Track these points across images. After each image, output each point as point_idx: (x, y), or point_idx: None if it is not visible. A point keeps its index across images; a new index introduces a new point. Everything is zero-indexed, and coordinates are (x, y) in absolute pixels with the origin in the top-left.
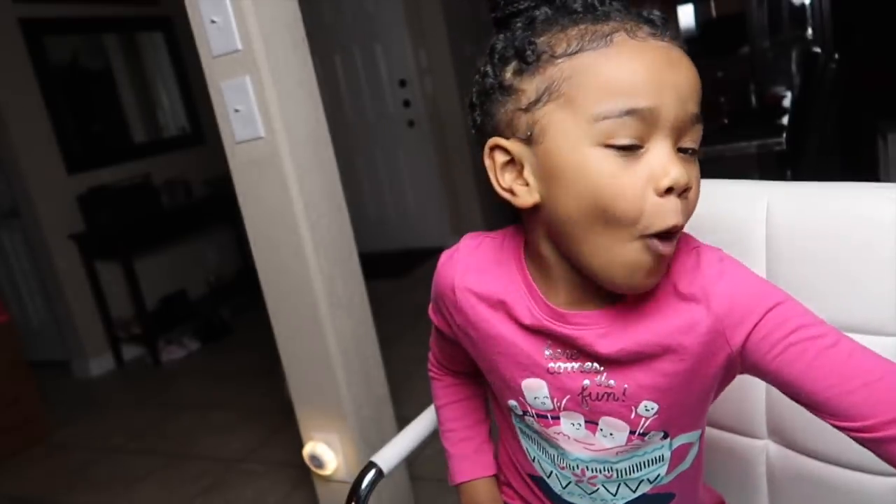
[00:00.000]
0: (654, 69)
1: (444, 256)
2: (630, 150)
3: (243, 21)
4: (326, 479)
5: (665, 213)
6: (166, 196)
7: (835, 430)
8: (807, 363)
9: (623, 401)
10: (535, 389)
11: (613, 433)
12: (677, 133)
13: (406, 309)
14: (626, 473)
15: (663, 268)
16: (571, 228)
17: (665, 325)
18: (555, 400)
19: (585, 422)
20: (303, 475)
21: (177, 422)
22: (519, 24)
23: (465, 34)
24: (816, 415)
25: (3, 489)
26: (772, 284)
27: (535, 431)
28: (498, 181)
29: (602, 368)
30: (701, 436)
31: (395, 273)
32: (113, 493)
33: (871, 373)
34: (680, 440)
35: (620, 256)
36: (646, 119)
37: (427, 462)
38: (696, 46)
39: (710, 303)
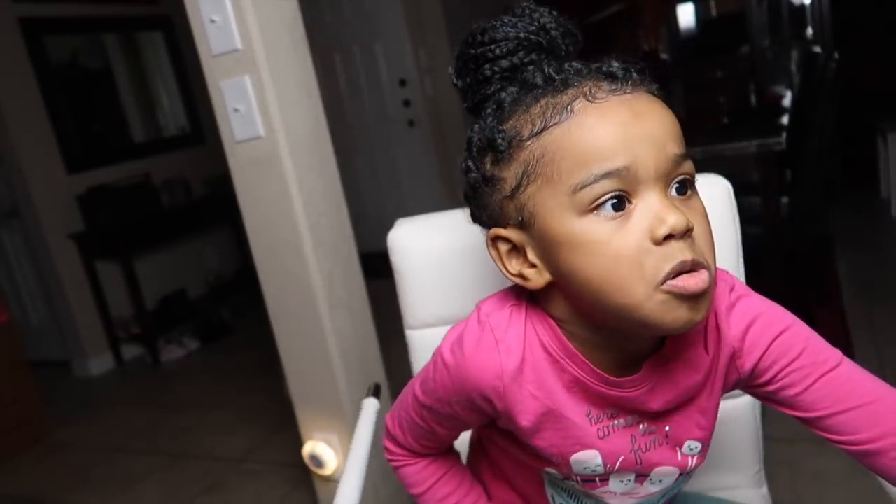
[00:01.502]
0: (619, 127)
1: (470, 337)
2: (616, 210)
3: (243, 20)
4: (326, 478)
5: (667, 256)
6: (166, 196)
7: None
8: (806, 386)
9: (668, 444)
10: (587, 461)
11: (663, 479)
12: (664, 179)
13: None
14: (657, 501)
15: (703, 302)
16: (592, 299)
17: (699, 364)
18: (608, 466)
19: (636, 477)
20: (302, 475)
21: (176, 421)
22: (489, 110)
23: (465, 34)
24: (809, 428)
25: (3, 489)
26: (777, 308)
27: (575, 490)
28: (507, 269)
29: (644, 417)
30: None
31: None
32: (113, 492)
33: (868, 395)
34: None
35: (652, 311)
36: (624, 178)
37: None
38: (696, 46)
39: (725, 335)
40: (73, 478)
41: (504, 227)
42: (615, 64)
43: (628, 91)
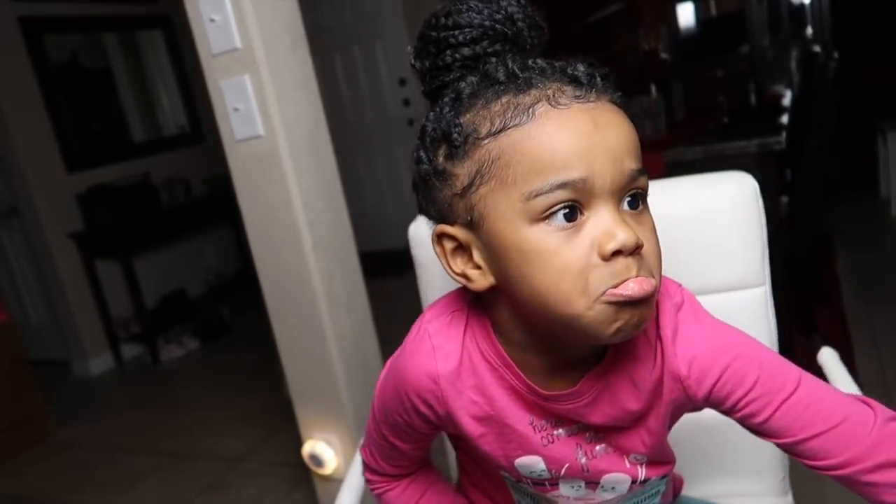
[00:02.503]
0: (580, 138)
1: (410, 344)
2: (568, 221)
3: (242, 20)
4: (326, 478)
5: (614, 274)
6: (166, 195)
7: None
8: (769, 415)
9: (615, 453)
10: (531, 465)
11: (615, 486)
12: (618, 193)
13: (406, 307)
14: None
15: (645, 308)
16: (535, 307)
17: (642, 386)
18: (553, 471)
19: (586, 484)
20: (302, 474)
21: (176, 421)
22: (447, 100)
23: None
24: (784, 451)
25: (3, 488)
26: (728, 332)
27: (531, 494)
28: (450, 267)
29: (590, 427)
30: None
31: (395, 272)
32: (113, 492)
33: (833, 417)
34: (672, 469)
35: (592, 321)
36: (579, 189)
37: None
38: (695, 45)
39: (667, 361)
40: (72, 477)
41: (451, 224)
42: (580, 68)
43: (591, 99)
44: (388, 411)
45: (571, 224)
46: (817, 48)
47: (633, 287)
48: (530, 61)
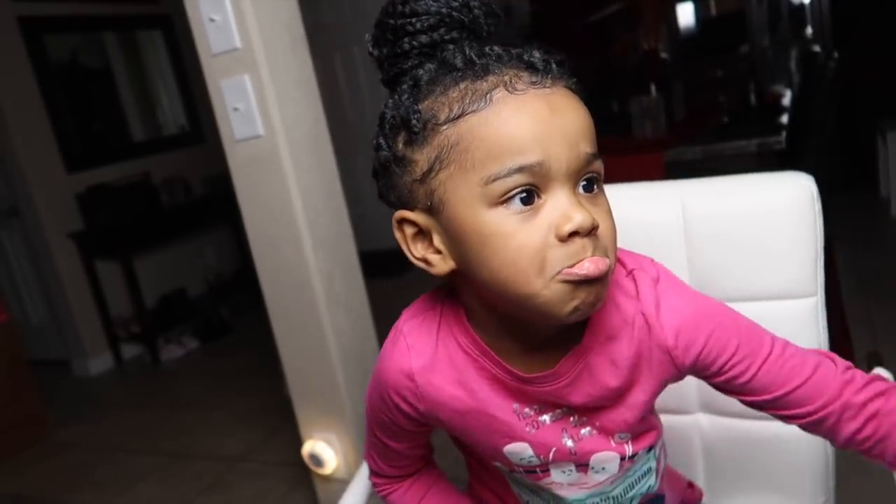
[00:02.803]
0: (536, 123)
1: (387, 345)
2: (525, 204)
3: (242, 19)
4: (326, 477)
5: (570, 254)
6: (165, 195)
7: None
8: (752, 374)
9: (600, 434)
10: (519, 452)
11: (605, 466)
12: (574, 176)
13: (405, 307)
14: (621, 497)
15: (600, 287)
16: (498, 290)
17: (621, 364)
18: (541, 457)
19: (577, 467)
20: (302, 474)
21: (176, 421)
22: (405, 87)
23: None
24: (757, 409)
25: (3, 488)
26: (705, 300)
27: (527, 484)
28: (411, 252)
29: (573, 410)
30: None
31: (395, 271)
32: (112, 492)
33: (808, 368)
34: (659, 444)
35: (549, 301)
36: (536, 173)
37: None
38: (695, 45)
39: (653, 333)
40: (72, 477)
41: (412, 209)
42: (536, 54)
43: (547, 85)
44: (375, 411)
45: (529, 207)
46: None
47: (589, 266)
48: (487, 48)
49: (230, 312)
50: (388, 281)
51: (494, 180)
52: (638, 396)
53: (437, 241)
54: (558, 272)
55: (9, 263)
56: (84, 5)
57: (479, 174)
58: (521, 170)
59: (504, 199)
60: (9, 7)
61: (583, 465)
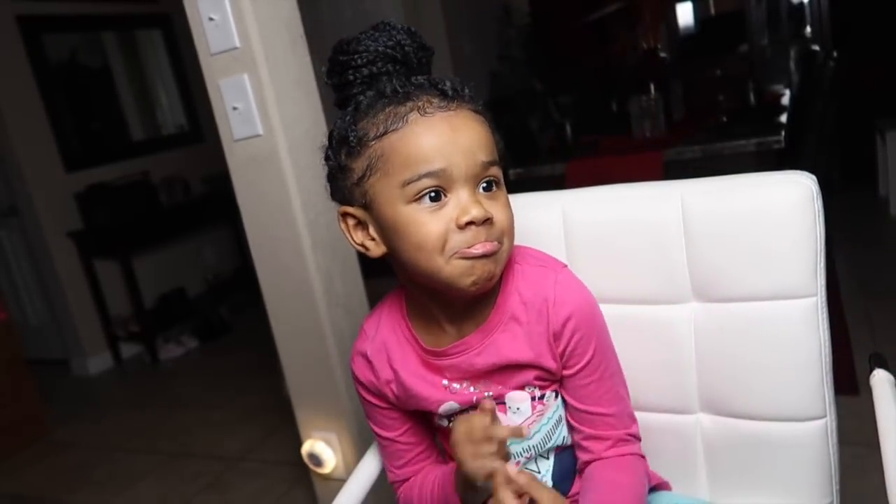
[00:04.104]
0: (440, 138)
1: (355, 344)
2: (434, 201)
3: (241, 19)
4: (325, 477)
5: (467, 239)
6: (165, 194)
7: (763, 389)
8: (587, 383)
9: (511, 390)
10: (450, 410)
11: (520, 406)
12: (473, 179)
13: None
14: (540, 447)
15: (492, 263)
16: (414, 267)
17: (519, 341)
18: (463, 405)
19: (497, 404)
20: (301, 474)
21: (175, 420)
22: (349, 109)
23: (464, 33)
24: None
25: (2, 488)
26: (588, 300)
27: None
28: (352, 239)
29: (482, 377)
30: None
31: (394, 272)
32: (111, 491)
33: (611, 408)
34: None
35: (451, 274)
36: (440, 177)
37: None
38: (694, 44)
39: (552, 322)
40: (71, 476)
41: (352, 206)
42: (448, 84)
43: (453, 108)
44: (364, 405)
45: (436, 204)
46: (816, 47)
47: (478, 248)
48: (414, 78)
49: (229, 312)
50: (388, 281)
51: (409, 183)
52: (553, 364)
53: (371, 230)
54: (455, 252)
55: (8, 263)
56: (83, 4)
57: (398, 178)
58: (428, 175)
59: (417, 198)
60: (8, 6)
61: (502, 405)
